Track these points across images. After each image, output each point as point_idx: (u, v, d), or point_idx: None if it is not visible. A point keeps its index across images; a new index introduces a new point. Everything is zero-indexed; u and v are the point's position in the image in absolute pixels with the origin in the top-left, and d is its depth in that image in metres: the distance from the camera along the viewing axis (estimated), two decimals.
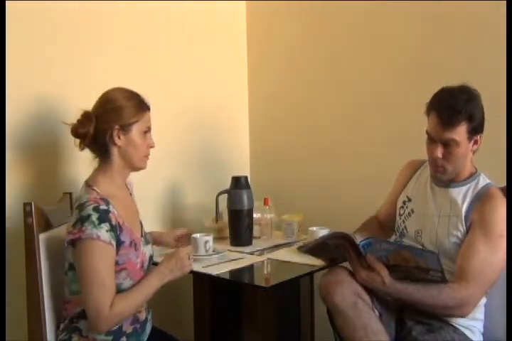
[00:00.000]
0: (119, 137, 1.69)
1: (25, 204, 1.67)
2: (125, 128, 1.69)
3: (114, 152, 1.71)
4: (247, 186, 2.30)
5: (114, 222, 1.62)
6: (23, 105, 1.98)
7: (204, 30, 2.64)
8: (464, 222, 1.76)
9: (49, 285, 1.73)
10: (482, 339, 1.78)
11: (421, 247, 1.81)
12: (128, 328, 1.69)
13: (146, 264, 1.74)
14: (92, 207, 1.59)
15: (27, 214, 1.66)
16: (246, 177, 2.32)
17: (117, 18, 2.28)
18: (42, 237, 1.70)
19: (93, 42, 2.20)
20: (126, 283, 1.66)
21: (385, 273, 1.67)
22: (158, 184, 2.43)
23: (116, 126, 1.68)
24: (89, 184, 1.70)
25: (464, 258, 1.69)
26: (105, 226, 1.58)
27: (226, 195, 2.31)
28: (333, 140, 2.63)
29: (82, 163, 2.10)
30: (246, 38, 2.87)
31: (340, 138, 2.60)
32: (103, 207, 1.61)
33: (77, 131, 1.69)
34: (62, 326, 1.69)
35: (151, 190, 2.35)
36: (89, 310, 1.57)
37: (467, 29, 2.22)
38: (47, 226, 1.76)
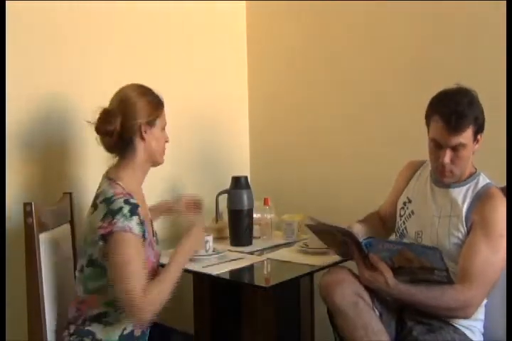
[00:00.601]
0: (145, 132, 1.71)
1: (25, 204, 1.66)
2: (151, 124, 1.72)
3: (140, 147, 1.72)
4: (247, 186, 2.30)
5: (142, 217, 1.63)
6: (23, 105, 1.98)
7: (204, 30, 2.64)
8: (464, 222, 1.76)
9: (49, 285, 1.73)
10: (482, 339, 1.78)
11: (422, 244, 1.80)
12: (138, 332, 1.69)
13: (159, 264, 1.75)
14: (122, 200, 1.60)
15: (27, 214, 1.65)
16: (246, 177, 2.32)
17: (117, 19, 2.28)
18: (42, 237, 1.70)
19: (94, 43, 2.20)
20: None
21: (388, 273, 1.67)
22: (158, 184, 2.42)
23: (143, 121, 1.70)
24: (111, 178, 1.70)
25: (466, 259, 1.69)
26: (136, 219, 1.59)
27: (226, 194, 2.31)
28: (333, 140, 2.63)
29: (82, 163, 2.12)
30: (246, 38, 2.87)
31: (340, 138, 2.60)
32: (133, 200, 1.62)
33: (104, 128, 1.68)
34: (72, 328, 1.66)
35: (150, 190, 2.33)
36: (122, 300, 1.55)
37: (467, 29, 2.22)
38: (47, 226, 1.76)
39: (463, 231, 1.75)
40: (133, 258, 1.56)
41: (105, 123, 1.67)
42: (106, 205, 1.60)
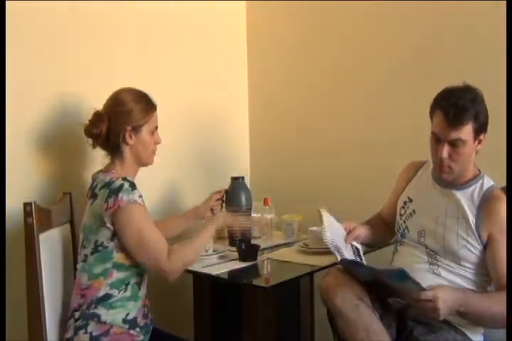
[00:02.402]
0: (130, 137, 1.80)
1: (25, 204, 1.67)
2: (136, 129, 1.80)
3: (126, 150, 1.81)
4: (245, 186, 2.28)
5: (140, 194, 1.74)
6: (24, 106, 1.97)
7: (204, 30, 2.64)
8: (474, 229, 1.74)
9: (49, 285, 1.73)
10: (482, 339, 1.78)
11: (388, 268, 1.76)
12: (141, 321, 1.77)
13: None
14: (120, 178, 1.71)
15: (27, 214, 1.66)
16: (243, 178, 2.29)
17: (117, 19, 2.27)
18: (42, 237, 1.70)
19: (95, 43, 2.19)
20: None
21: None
22: (157, 184, 2.43)
23: (129, 128, 1.78)
24: (105, 171, 1.80)
25: (498, 268, 1.69)
26: (137, 192, 1.71)
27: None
28: (334, 140, 2.63)
29: (82, 163, 2.12)
30: (246, 38, 2.87)
31: (341, 138, 2.60)
32: (130, 178, 1.73)
33: (90, 131, 1.80)
34: (78, 314, 1.72)
35: (150, 191, 2.34)
36: (149, 264, 1.72)
37: (467, 29, 2.22)
38: (47, 226, 1.76)
39: (473, 237, 1.75)
40: (147, 226, 1.70)
41: (92, 127, 1.79)
42: (106, 188, 1.70)
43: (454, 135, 1.70)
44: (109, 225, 1.70)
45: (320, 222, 1.86)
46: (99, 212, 1.70)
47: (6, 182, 1.83)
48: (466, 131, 1.70)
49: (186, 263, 1.78)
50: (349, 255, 1.81)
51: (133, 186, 1.71)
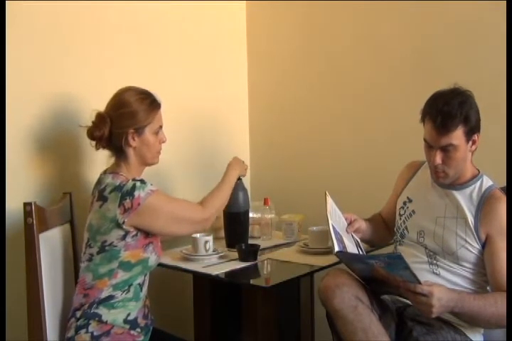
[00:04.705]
0: (133, 139, 1.79)
1: (25, 204, 1.67)
2: (139, 131, 1.79)
3: (130, 152, 1.80)
4: (243, 187, 2.25)
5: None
6: (23, 106, 1.97)
7: (204, 30, 2.64)
8: (473, 229, 1.74)
9: (49, 285, 1.73)
10: (482, 339, 1.78)
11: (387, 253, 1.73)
12: (142, 322, 1.77)
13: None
14: (130, 180, 1.72)
15: (27, 214, 1.66)
16: (241, 179, 2.26)
17: (117, 20, 2.27)
18: (42, 237, 1.70)
19: (97, 43, 2.20)
20: (153, 258, 1.78)
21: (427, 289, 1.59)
22: (156, 184, 2.42)
23: (131, 130, 1.77)
24: (113, 172, 1.78)
25: (496, 270, 1.69)
26: (148, 183, 1.73)
27: None
28: (334, 140, 2.63)
29: (82, 163, 2.12)
30: (246, 37, 2.87)
31: (341, 138, 2.60)
32: (138, 178, 1.75)
33: (92, 133, 1.78)
34: (79, 313, 1.71)
35: None
36: (191, 227, 1.86)
37: (467, 29, 2.22)
38: (47, 226, 1.76)
39: (472, 237, 1.74)
40: (172, 202, 1.80)
41: (95, 129, 1.77)
42: (118, 192, 1.69)
43: (445, 141, 1.70)
44: (126, 226, 1.69)
45: (325, 205, 1.87)
46: (111, 216, 1.69)
47: (6, 182, 1.83)
48: (457, 136, 1.70)
49: (218, 207, 1.93)
50: (350, 244, 1.81)
51: (143, 181, 1.73)
